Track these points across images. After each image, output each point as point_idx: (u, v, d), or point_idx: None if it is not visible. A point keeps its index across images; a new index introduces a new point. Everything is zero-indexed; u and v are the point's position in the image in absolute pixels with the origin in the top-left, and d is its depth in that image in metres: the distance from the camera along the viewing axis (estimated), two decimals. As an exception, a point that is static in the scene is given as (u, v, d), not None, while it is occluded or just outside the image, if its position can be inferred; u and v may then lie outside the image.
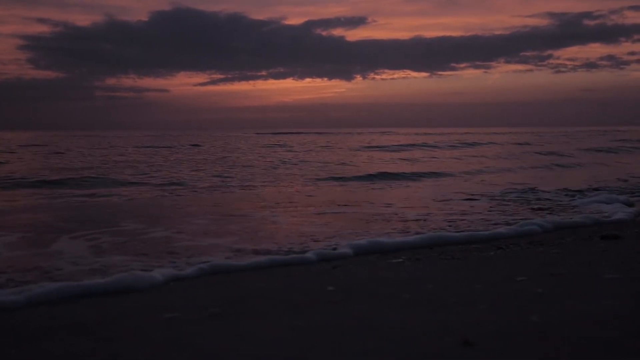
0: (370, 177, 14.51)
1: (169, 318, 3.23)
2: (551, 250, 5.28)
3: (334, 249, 5.74)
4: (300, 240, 6.26)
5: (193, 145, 34.97)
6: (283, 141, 40.57)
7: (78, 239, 6.29)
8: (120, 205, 9.50)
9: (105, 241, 6.19)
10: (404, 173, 15.87)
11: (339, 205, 9.38)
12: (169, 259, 5.31)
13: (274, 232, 6.90)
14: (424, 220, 7.64)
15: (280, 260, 5.22)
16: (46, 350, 2.75)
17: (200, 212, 8.58)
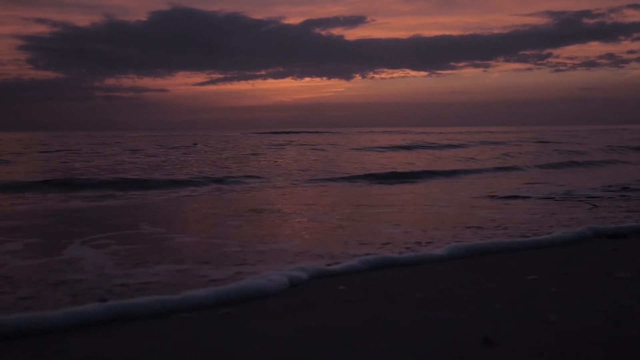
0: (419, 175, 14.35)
1: (182, 318, 3.22)
2: (559, 249, 5.27)
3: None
4: (378, 241, 5.67)
5: (194, 144, 34.71)
6: (286, 140, 39.97)
7: (97, 246, 5.47)
8: (132, 208, 8.82)
9: (132, 248, 5.40)
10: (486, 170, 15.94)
11: (386, 205, 8.80)
12: (239, 268, 4.55)
13: (335, 234, 6.18)
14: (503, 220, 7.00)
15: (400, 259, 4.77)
16: (61, 350, 2.74)
17: (225, 213, 7.92)
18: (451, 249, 5.10)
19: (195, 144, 35.35)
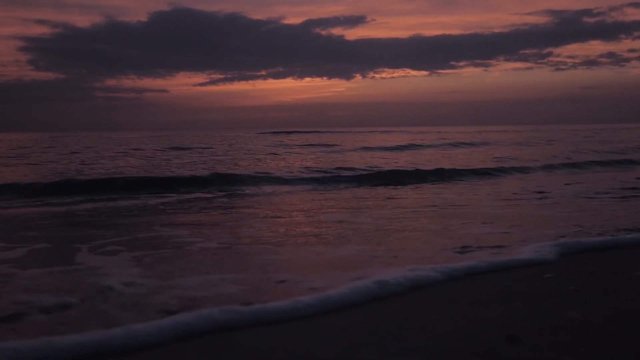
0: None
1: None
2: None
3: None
4: (456, 244, 5.16)
5: (205, 148, 34.04)
6: (290, 140, 39.42)
7: (114, 252, 4.95)
8: (142, 209, 8.31)
9: (158, 254, 4.80)
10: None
11: (451, 205, 8.16)
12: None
13: (404, 238, 5.56)
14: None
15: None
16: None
17: (245, 216, 7.42)
18: (561, 247, 4.82)
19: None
